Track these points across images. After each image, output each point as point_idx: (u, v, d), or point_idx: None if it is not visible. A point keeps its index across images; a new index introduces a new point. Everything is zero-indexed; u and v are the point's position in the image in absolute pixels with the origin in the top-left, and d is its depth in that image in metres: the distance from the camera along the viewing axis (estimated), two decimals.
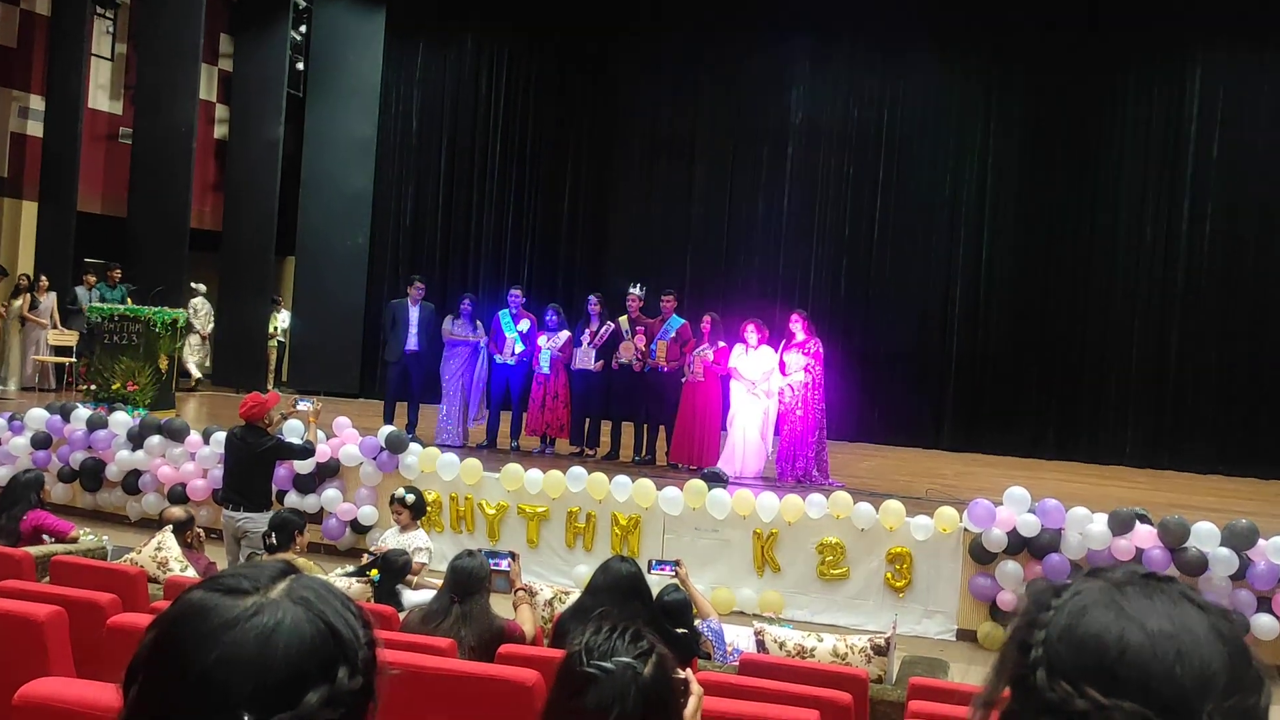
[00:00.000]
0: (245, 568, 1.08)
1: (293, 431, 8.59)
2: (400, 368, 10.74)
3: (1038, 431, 13.58)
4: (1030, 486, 7.81)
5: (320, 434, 8.76)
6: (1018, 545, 7.48)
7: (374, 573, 5.52)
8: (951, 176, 14.11)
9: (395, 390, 10.94)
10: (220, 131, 16.68)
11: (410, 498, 6.71)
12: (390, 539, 6.58)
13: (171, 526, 5.96)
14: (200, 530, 6.41)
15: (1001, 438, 13.48)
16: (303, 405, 7.32)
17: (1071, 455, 13.13)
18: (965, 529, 7.62)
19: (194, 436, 9.26)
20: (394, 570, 5.73)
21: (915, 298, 14.21)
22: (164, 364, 11.57)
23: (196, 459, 9.16)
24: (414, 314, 10.77)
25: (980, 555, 7.54)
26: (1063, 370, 13.59)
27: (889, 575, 7.71)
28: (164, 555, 5.71)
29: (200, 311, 15.56)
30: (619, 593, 4.17)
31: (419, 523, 6.96)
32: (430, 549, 6.77)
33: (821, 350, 9.74)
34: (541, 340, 10.54)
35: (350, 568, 5.83)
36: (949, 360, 14.02)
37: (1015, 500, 7.59)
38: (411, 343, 10.72)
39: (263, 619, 1.00)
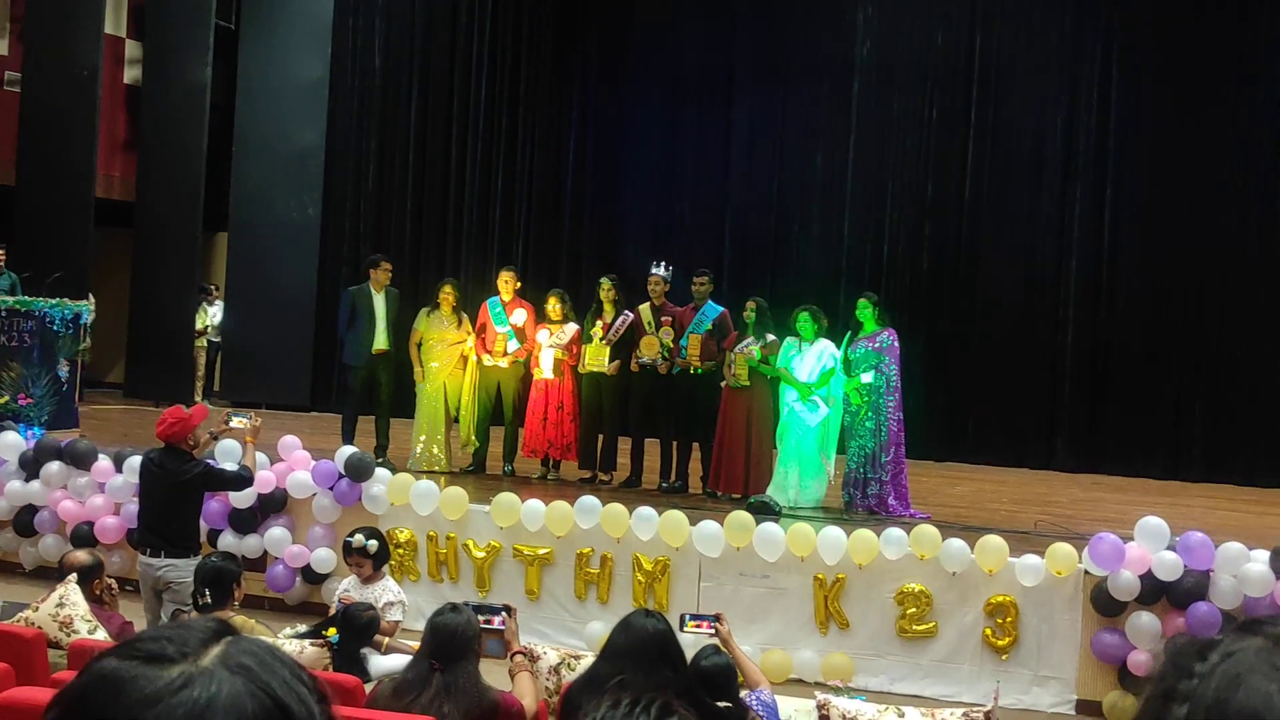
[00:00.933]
0: (170, 628, 1.08)
1: (227, 455, 8.63)
2: (364, 373, 10.78)
3: (1179, 446, 13.53)
4: (1169, 516, 7.75)
5: (261, 457, 8.80)
6: (1153, 592, 7.42)
7: (331, 632, 5.54)
8: (1064, 121, 14.06)
9: (358, 401, 10.99)
10: (131, 75, 16.81)
11: (372, 544, 6.70)
12: (351, 591, 6.60)
13: (76, 576, 5.99)
14: (112, 581, 6.45)
15: (1132, 455, 13.45)
16: (237, 421, 7.37)
17: (1223, 476, 13.05)
18: (1086, 571, 7.58)
19: (103, 462, 9.32)
20: (357, 629, 5.74)
21: (1018, 275, 14.16)
22: (65, 370, 11.66)
23: (107, 491, 9.22)
24: (380, 303, 10.80)
25: (1105, 605, 7.49)
26: (1211, 368, 13.51)
27: (988, 632, 7.68)
28: (67, 613, 5.74)
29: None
30: (644, 657, 4.17)
31: (385, 570, 6.98)
32: (404, 602, 6.78)
33: (897, 344, 9.71)
34: (541, 336, 10.56)
35: (302, 627, 5.86)
36: (1062, 355, 13.97)
37: (1150, 534, 7.53)
38: (379, 340, 10.76)
39: (193, 693, 1.00)
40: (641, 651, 4.17)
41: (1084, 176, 13.98)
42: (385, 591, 6.65)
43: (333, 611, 6.30)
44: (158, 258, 15.99)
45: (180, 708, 0.99)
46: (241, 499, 8.73)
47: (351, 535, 6.81)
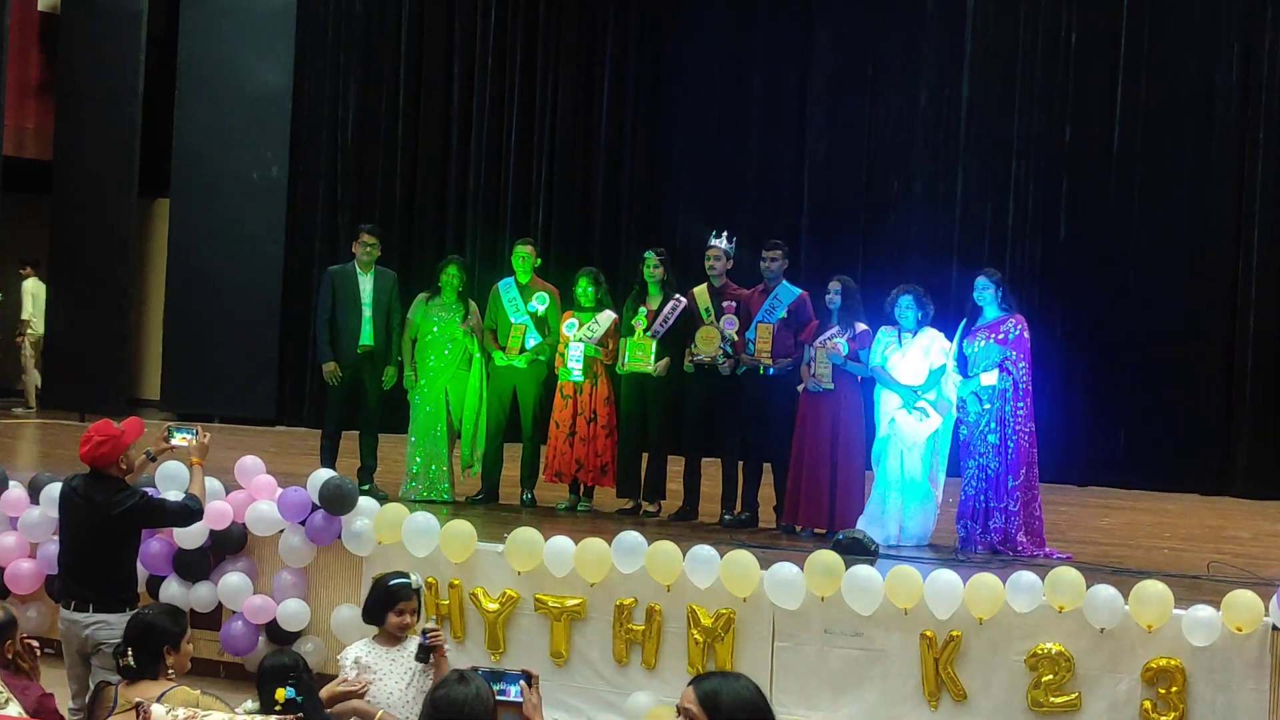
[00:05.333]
0: None
1: (171, 481, 8.68)
2: (348, 375, 10.82)
3: None
4: None
5: (213, 484, 8.84)
6: None
7: (281, 695, 5.56)
8: (1241, 45, 13.93)
9: (340, 412, 11.04)
10: (48, 0, 16.94)
11: (415, 580, 6.70)
12: (363, 657, 6.46)
13: None
14: (34, 642, 6.49)
15: None
16: (180, 438, 7.40)
17: None
18: (1275, 627, 7.50)
19: (15, 492, 9.38)
20: (297, 675, 5.71)
21: (1183, 246, 14.07)
22: None
23: (19, 528, 9.27)
24: (366, 287, 10.85)
25: None
26: None
27: (1148, 705, 7.61)
28: None
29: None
30: None
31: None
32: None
33: (1028, 337, 9.64)
34: (569, 327, 10.57)
35: (249, 703, 5.87)
36: (1243, 350, 13.86)
37: None
38: (365, 334, 10.80)
39: None
40: None
41: (1270, 119, 13.85)
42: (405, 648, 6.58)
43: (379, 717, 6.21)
44: (82, 230, 16.13)
45: None
46: (189, 536, 8.76)
47: (394, 577, 6.55)
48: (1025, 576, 7.83)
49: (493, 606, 8.57)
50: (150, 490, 7.85)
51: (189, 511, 7.31)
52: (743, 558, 8.20)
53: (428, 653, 6.15)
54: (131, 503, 7.01)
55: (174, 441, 7.41)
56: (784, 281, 10.36)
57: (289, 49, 16.14)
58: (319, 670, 7.72)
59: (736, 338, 10.20)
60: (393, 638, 6.37)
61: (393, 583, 6.43)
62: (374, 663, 6.28)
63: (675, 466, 10.65)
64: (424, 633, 6.19)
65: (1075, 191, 14.45)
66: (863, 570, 8.04)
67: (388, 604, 6.38)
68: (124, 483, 7.08)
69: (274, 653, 5.94)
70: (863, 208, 15.16)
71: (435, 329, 10.68)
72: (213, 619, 8.90)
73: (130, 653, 5.66)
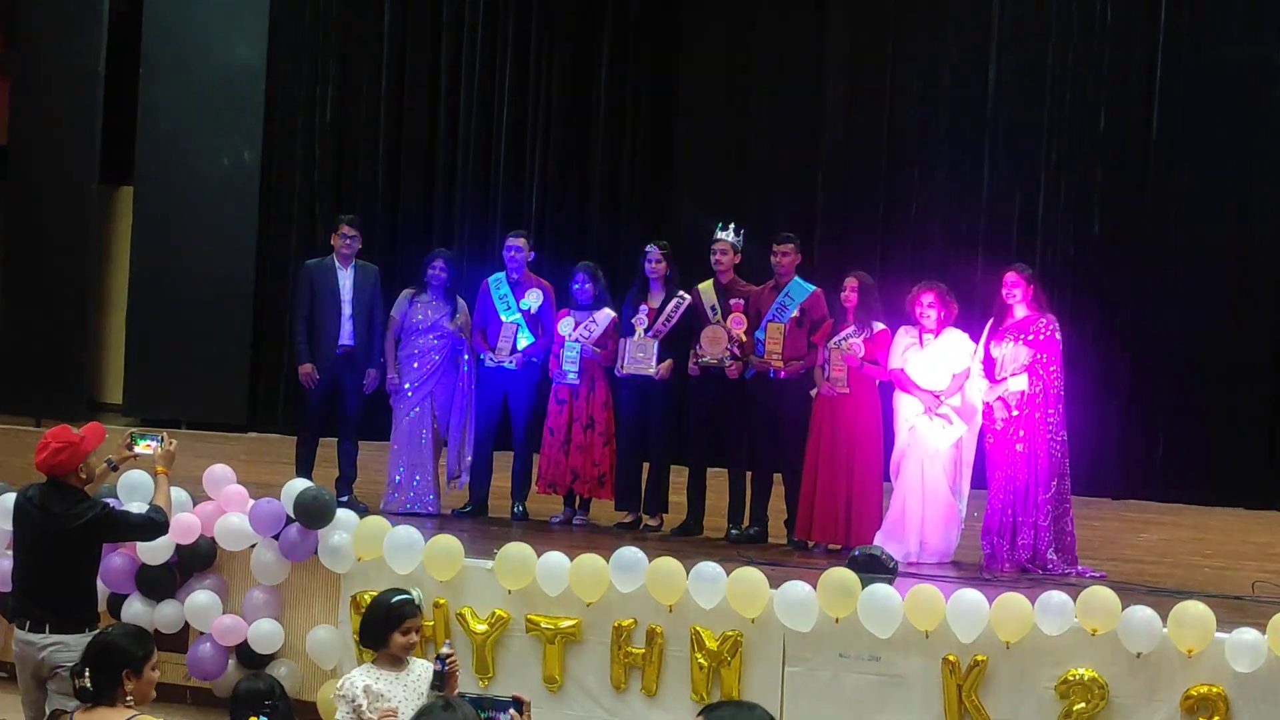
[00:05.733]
0: None
1: (134, 492, 8.68)
2: (326, 378, 10.83)
3: None
4: None
5: (180, 494, 8.84)
6: None
7: None
8: None
9: (317, 417, 11.05)
10: None
11: (416, 595, 6.66)
12: (373, 684, 6.38)
13: None
14: None
15: None
16: (143, 445, 7.38)
17: None
18: None
19: None
20: (273, 701, 5.72)
21: (1228, 240, 14.06)
22: None
23: None
24: (346, 282, 10.86)
25: None
26: None
27: None
28: None
29: None
30: None
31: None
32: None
33: (1060, 338, 9.65)
34: (564, 326, 10.58)
35: None
36: None
37: None
38: (344, 334, 10.81)
39: None
40: None
41: None
42: (413, 669, 6.54)
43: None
44: (39, 220, 16.13)
45: None
46: (153, 551, 8.76)
47: (393, 595, 6.47)
48: (1056, 597, 7.84)
49: (481, 628, 8.58)
50: (112, 501, 7.85)
51: (154, 524, 7.30)
52: (751, 576, 8.20)
53: (444, 680, 6.09)
54: (91, 515, 7.00)
55: (137, 449, 7.40)
56: (796, 278, 10.36)
57: (263, 23, 16.13)
58: (295, 696, 7.73)
59: (745, 338, 10.21)
60: (396, 660, 6.29)
61: (395, 600, 6.34)
62: (385, 689, 6.18)
63: (678, 477, 10.67)
64: (440, 658, 6.14)
65: (1111, 180, 14.43)
66: (880, 589, 8.04)
67: (391, 624, 6.28)
68: (83, 493, 7.08)
69: (249, 677, 5.93)
70: (881, 197, 15.15)
71: (420, 328, 10.69)
72: (179, 640, 8.89)
73: (88, 674, 5.67)
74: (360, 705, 6.08)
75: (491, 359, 10.67)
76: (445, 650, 6.26)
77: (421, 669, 6.32)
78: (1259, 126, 14.01)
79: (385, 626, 6.28)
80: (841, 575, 8.13)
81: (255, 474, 10.02)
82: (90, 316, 16.52)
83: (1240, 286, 14.00)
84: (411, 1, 16.23)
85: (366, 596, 8.69)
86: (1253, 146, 14.04)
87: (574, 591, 8.40)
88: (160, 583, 8.92)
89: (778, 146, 15.57)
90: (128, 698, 5.74)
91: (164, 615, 8.88)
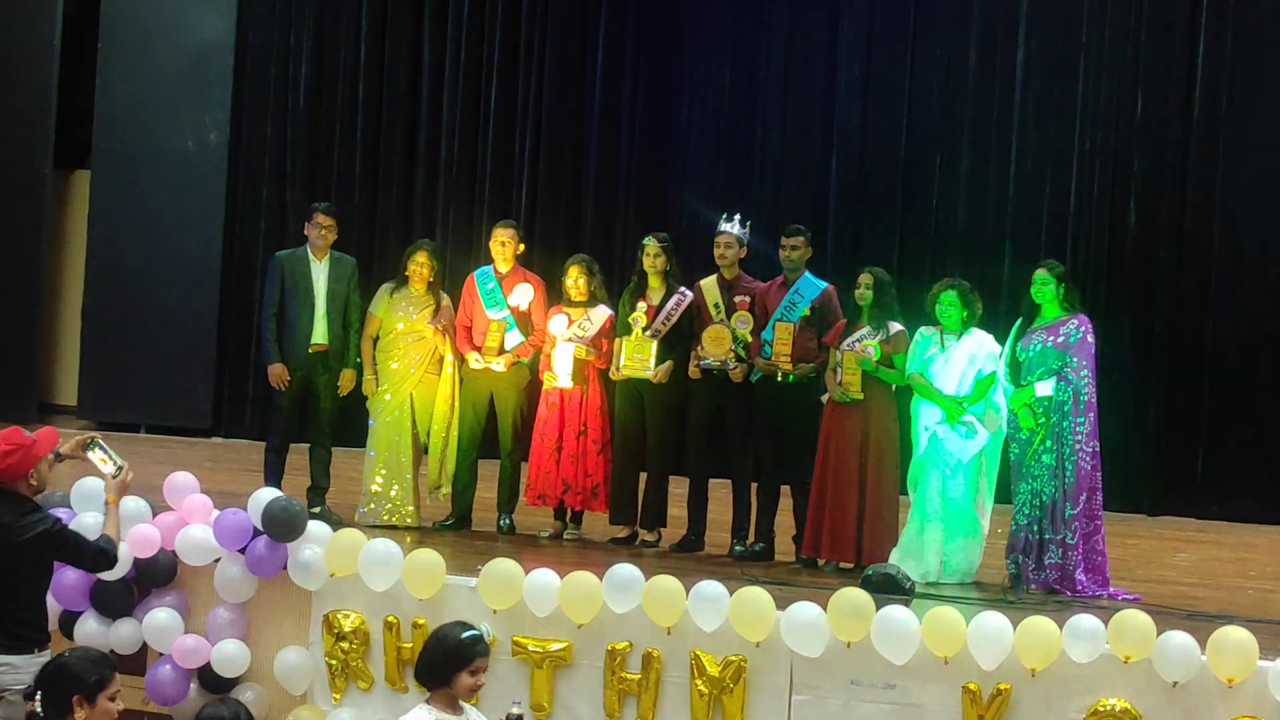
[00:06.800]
0: None
1: (86, 500, 8.68)
2: (297, 379, 10.84)
3: None
4: None
5: (138, 504, 8.86)
6: None
7: None
8: None
9: (288, 422, 11.06)
10: None
11: (486, 630, 6.56)
12: None
13: None
14: None
15: None
16: (99, 457, 7.32)
17: None
18: None
19: None
20: None
21: (1275, 236, 14.06)
22: None
23: None
24: (320, 276, 10.87)
25: None
26: None
27: None
28: None
29: None
30: None
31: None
32: None
33: (1092, 339, 9.67)
34: (556, 325, 10.60)
35: None
36: None
37: None
38: (318, 331, 10.83)
39: None
40: None
41: None
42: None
43: None
44: None
45: None
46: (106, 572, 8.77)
47: (461, 629, 6.29)
48: (1085, 621, 7.84)
49: None
50: (64, 513, 7.84)
51: (106, 557, 7.21)
52: (756, 596, 8.20)
53: None
54: (43, 528, 6.98)
55: (91, 455, 7.37)
56: (807, 273, 10.40)
57: None
58: None
59: (750, 338, 10.24)
60: (453, 703, 6.14)
61: (465, 636, 6.18)
62: None
63: (678, 488, 10.70)
64: (513, 718, 6.02)
65: (1148, 171, 14.45)
66: (896, 612, 8.05)
67: (460, 663, 6.10)
68: (34, 503, 7.06)
69: (213, 702, 5.93)
70: (899, 187, 15.16)
71: (400, 326, 10.71)
72: (137, 662, 8.86)
73: (39, 698, 5.69)
74: None
75: (477, 359, 10.70)
76: (516, 711, 6.15)
77: (477, 716, 6.21)
78: None
79: (453, 665, 6.09)
80: (854, 596, 8.13)
81: (220, 482, 10.04)
82: (41, 311, 16.51)
83: None
84: None
85: (339, 616, 8.76)
86: None
87: (564, 612, 8.41)
88: (117, 600, 8.90)
89: (787, 131, 15.57)
90: None
91: (120, 635, 8.86)
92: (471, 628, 6.28)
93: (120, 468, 7.29)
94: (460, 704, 6.12)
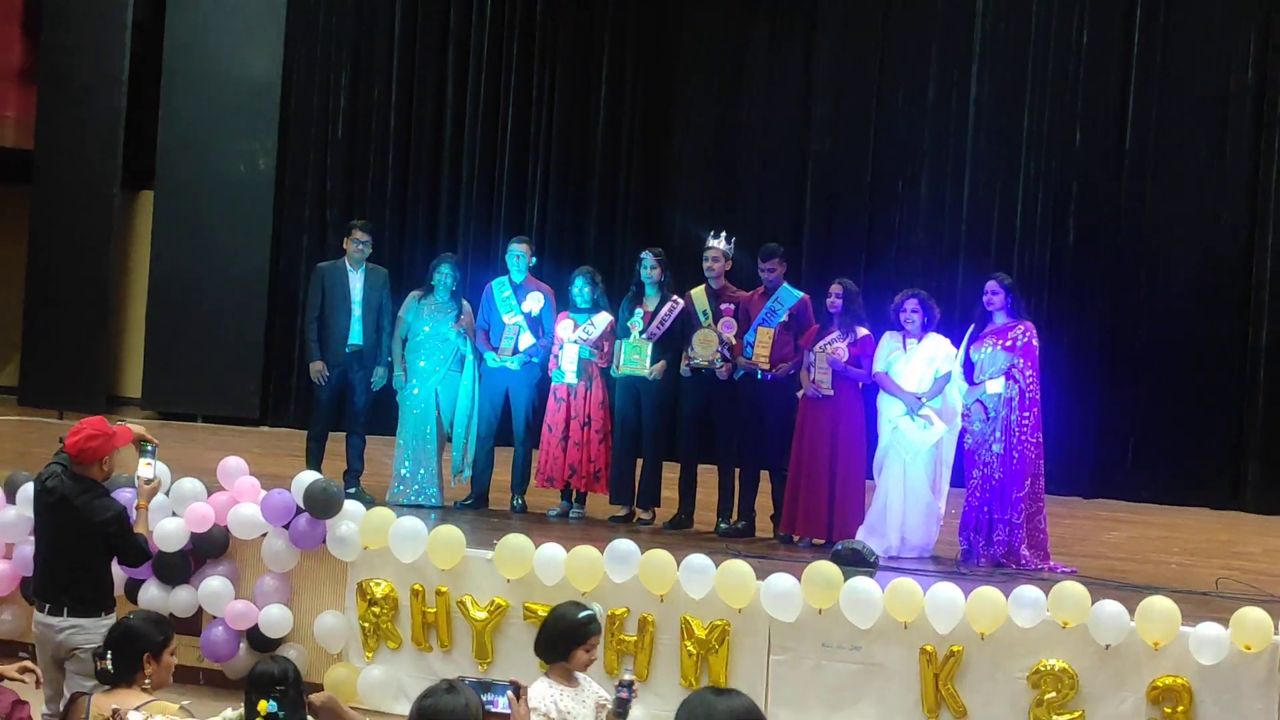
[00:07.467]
0: None
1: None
2: (335, 375, 10.82)
3: None
4: None
5: (196, 485, 8.85)
6: None
7: (263, 707, 5.52)
8: (1258, 46, 13.89)
9: (327, 412, 11.04)
10: None
11: (598, 609, 6.36)
12: (559, 700, 6.13)
13: None
14: (31, 667, 6.47)
15: None
16: (144, 464, 7.18)
17: None
18: None
19: None
20: (284, 687, 5.63)
21: (1196, 252, 14.05)
22: None
23: None
24: (356, 284, 10.86)
25: None
26: None
27: None
28: None
29: None
30: None
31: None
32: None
33: (1037, 344, 9.64)
34: (564, 328, 10.58)
35: (230, 712, 5.84)
36: (1255, 359, 13.85)
37: None
38: (354, 333, 10.81)
39: None
40: None
41: None
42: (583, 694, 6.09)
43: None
44: (63, 223, 16.10)
45: None
46: (169, 539, 8.76)
47: (577, 609, 6.13)
48: (1029, 591, 7.85)
49: (481, 615, 8.58)
50: (128, 496, 7.77)
51: (144, 555, 7.21)
52: (739, 568, 8.21)
53: (626, 707, 5.62)
54: (109, 516, 6.91)
55: (141, 456, 7.22)
56: (785, 284, 10.36)
57: (279, 37, 16.12)
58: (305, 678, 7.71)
59: (734, 341, 10.21)
60: (569, 676, 5.99)
61: (583, 615, 6.05)
62: (570, 707, 5.91)
63: (670, 473, 10.67)
64: (624, 685, 5.74)
65: (1085, 194, 14.43)
66: (862, 582, 8.06)
67: (578, 640, 5.98)
68: (103, 488, 7.04)
69: (266, 660, 5.88)
70: (866, 208, 15.13)
71: (426, 329, 10.68)
72: (193, 624, 8.88)
73: (109, 656, 5.66)
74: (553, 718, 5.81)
75: (494, 358, 10.68)
76: (628, 677, 5.83)
77: (591, 689, 6.06)
78: (1224, 144, 14.01)
79: (572, 642, 5.98)
80: (825, 568, 8.13)
81: (267, 466, 10.01)
82: (111, 314, 16.49)
83: (1206, 297, 13.99)
84: (420, 22, 16.21)
85: (371, 584, 8.75)
86: (1218, 163, 14.03)
87: (570, 581, 8.41)
88: (175, 569, 8.92)
89: (768, 158, 15.55)
90: (146, 681, 5.73)
91: (179, 600, 8.88)
92: (586, 608, 6.14)
93: (154, 479, 7.25)
94: (575, 675, 5.99)
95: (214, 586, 8.89)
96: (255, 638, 8.87)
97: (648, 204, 15.76)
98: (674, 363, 10.39)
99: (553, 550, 8.49)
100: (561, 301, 10.78)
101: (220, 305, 15.95)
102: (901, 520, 9.66)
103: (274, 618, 8.82)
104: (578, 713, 5.86)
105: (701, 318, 10.34)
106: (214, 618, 8.92)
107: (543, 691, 5.85)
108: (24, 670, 6.40)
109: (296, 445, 11.42)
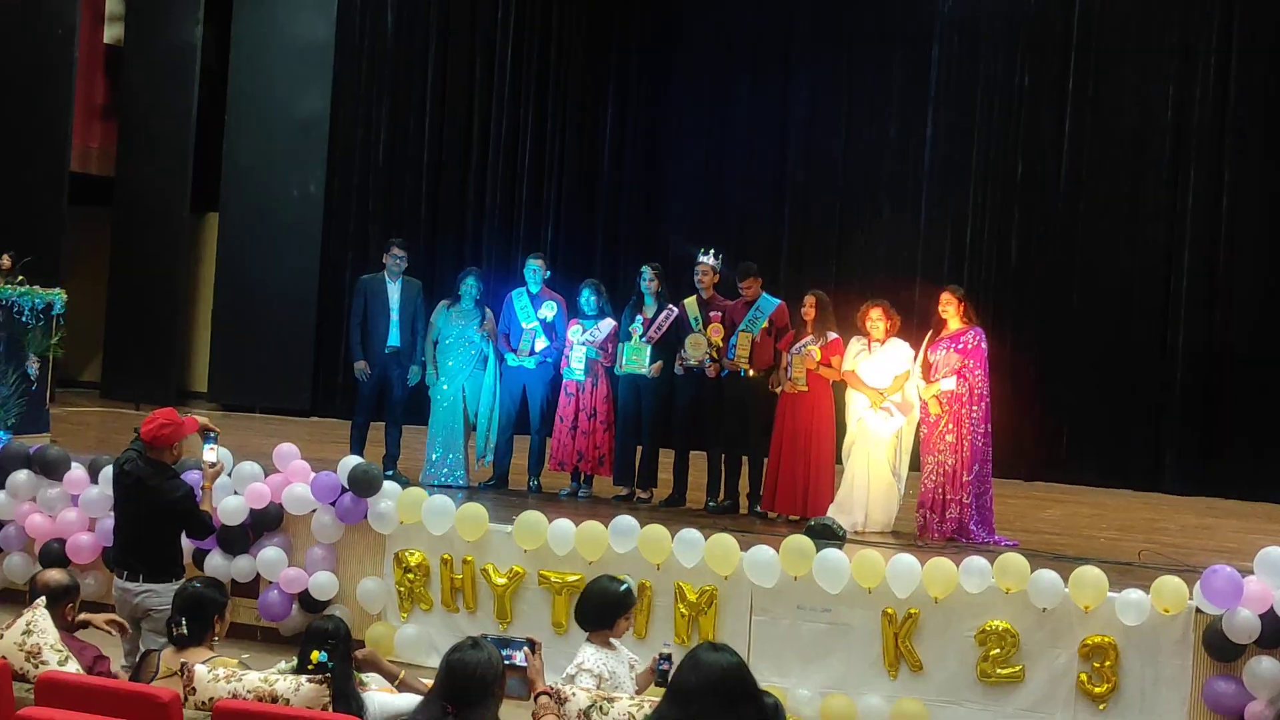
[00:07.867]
0: None
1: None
2: (376, 372, 10.81)
3: None
4: None
5: (253, 467, 8.85)
6: (1276, 634, 7.33)
7: (315, 656, 5.52)
8: (1176, 92, 13.90)
9: (368, 405, 11.03)
10: (113, 34, 16.96)
11: (631, 581, 6.19)
12: (605, 663, 6.01)
13: (46, 599, 6.02)
14: (118, 620, 6.46)
15: (1254, 476, 13.30)
16: (209, 450, 7.20)
17: None
18: (1198, 610, 7.49)
19: (77, 471, 9.35)
20: (335, 642, 5.62)
21: (1122, 268, 14.05)
22: (34, 368, 11.74)
23: (80, 504, 9.26)
24: (394, 294, 10.84)
25: (1220, 648, 7.40)
26: None
27: (1084, 677, 7.61)
28: (36, 641, 5.74)
29: None
30: (723, 697, 4.10)
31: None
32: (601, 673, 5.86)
33: (985, 346, 9.63)
34: (573, 332, 10.56)
35: (283, 664, 5.83)
36: (1172, 361, 13.84)
37: (1272, 567, 7.42)
38: (392, 336, 10.81)
39: None
40: (717, 691, 4.11)
41: (1200, 156, 13.81)
42: (611, 659, 5.93)
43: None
44: (140, 241, 16.13)
45: None
46: (231, 514, 8.76)
47: (615, 583, 6.01)
48: (977, 561, 7.84)
49: (501, 581, 8.58)
50: (195, 478, 7.77)
51: (209, 530, 7.30)
52: (725, 540, 8.21)
53: (667, 677, 5.35)
54: (178, 495, 6.94)
55: (205, 443, 7.29)
56: (765, 294, 10.33)
57: (327, 79, 16.13)
58: None
59: (721, 344, 10.22)
60: (608, 640, 5.90)
61: (623, 589, 5.98)
62: (615, 669, 5.82)
63: (666, 458, 10.66)
64: (665, 658, 5.68)
65: (1025, 218, 14.44)
66: (832, 553, 8.05)
67: (620, 610, 5.90)
68: (174, 470, 7.05)
69: (322, 618, 5.88)
70: (836, 229, 15.15)
71: (455, 333, 10.67)
72: (251, 588, 8.91)
73: (184, 622, 5.65)
74: (603, 679, 5.70)
75: (514, 359, 10.67)
76: (667, 650, 5.78)
77: (624, 652, 5.97)
78: (1145, 176, 14.02)
79: (616, 611, 5.89)
80: (799, 541, 8.14)
81: (316, 451, 9.99)
82: (181, 320, 16.51)
83: (1129, 308, 14.01)
84: (450, 67, 16.23)
85: (406, 553, 8.75)
86: (1140, 193, 14.04)
87: (579, 552, 8.42)
88: (237, 540, 8.92)
89: (750, 187, 15.55)
90: (214, 639, 5.73)
91: (239, 567, 8.90)
92: (623, 582, 6.05)
93: (217, 463, 7.29)
94: (611, 641, 5.91)
95: (270, 556, 8.90)
96: (306, 600, 8.87)
97: (646, 225, 15.75)
98: (669, 362, 10.38)
99: (564, 525, 8.49)
100: (572, 309, 10.76)
101: (276, 311, 15.95)
102: (866, 499, 9.65)
103: (322, 582, 8.81)
104: (620, 672, 5.83)
105: (693, 324, 10.33)
106: (270, 583, 8.92)
107: (593, 655, 5.79)
108: (110, 622, 6.44)
109: (342, 433, 11.41)
